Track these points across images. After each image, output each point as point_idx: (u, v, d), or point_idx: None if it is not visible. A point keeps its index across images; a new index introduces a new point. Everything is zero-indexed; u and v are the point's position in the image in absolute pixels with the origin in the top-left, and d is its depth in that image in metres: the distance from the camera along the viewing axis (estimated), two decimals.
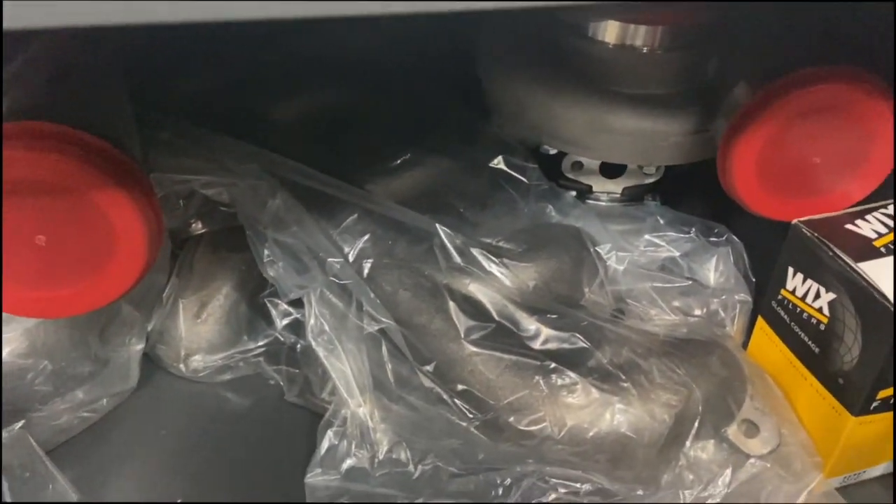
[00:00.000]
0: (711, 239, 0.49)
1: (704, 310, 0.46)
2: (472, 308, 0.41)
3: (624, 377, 0.38)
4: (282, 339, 0.53)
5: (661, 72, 0.46)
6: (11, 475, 0.41)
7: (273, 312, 0.53)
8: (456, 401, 0.38)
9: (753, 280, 0.48)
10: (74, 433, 0.47)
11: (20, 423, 0.44)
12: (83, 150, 0.30)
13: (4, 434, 0.42)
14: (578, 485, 0.39)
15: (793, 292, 0.41)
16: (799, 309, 0.41)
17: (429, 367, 0.41)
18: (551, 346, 0.39)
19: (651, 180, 0.52)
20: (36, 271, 0.31)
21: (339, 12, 0.21)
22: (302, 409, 0.50)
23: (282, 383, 0.51)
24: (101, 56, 0.41)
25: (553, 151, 0.49)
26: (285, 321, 0.54)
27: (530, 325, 0.40)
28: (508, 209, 0.51)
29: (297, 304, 0.54)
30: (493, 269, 0.42)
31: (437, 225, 0.42)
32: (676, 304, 0.46)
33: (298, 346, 0.52)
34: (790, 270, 0.41)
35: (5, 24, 0.19)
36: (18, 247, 0.31)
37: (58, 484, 0.43)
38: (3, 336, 0.41)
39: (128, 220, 0.31)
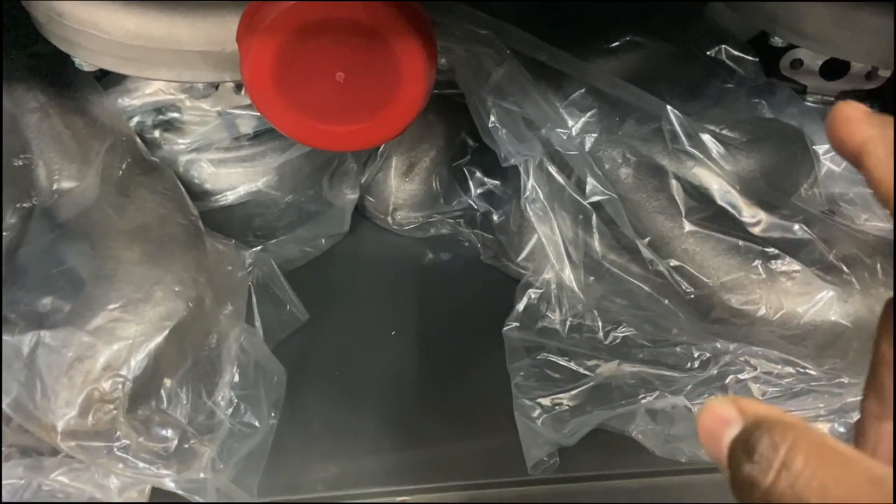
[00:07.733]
0: None
1: None
2: (694, 190, 0.43)
3: (847, 270, 0.39)
4: (475, 206, 0.57)
5: None
6: (258, 290, 0.47)
7: (469, 180, 0.57)
8: (674, 275, 0.41)
9: None
10: (298, 265, 0.53)
11: (259, 247, 0.49)
12: None
13: (251, 252, 0.47)
14: (779, 367, 0.41)
15: None
16: None
17: (644, 241, 0.43)
18: (773, 234, 0.41)
19: (871, 86, 0.51)
20: (333, 106, 0.35)
21: None
22: (495, 270, 0.54)
23: (478, 245, 0.55)
24: None
25: (782, 44, 0.48)
26: (479, 190, 0.57)
27: (752, 211, 0.41)
28: (719, 100, 0.51)
29: (491, 174, 0.57)
30: (718, 155, 0.43)
31: (668, 107, 0.43)
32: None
33: (495, 215, 0.55)
34: None
35: None
36: (323, 81, 0.34)
37: (293, 304, 0.49)
38: (260, 169, 0.46)
39: (414, 68, 0.34)
